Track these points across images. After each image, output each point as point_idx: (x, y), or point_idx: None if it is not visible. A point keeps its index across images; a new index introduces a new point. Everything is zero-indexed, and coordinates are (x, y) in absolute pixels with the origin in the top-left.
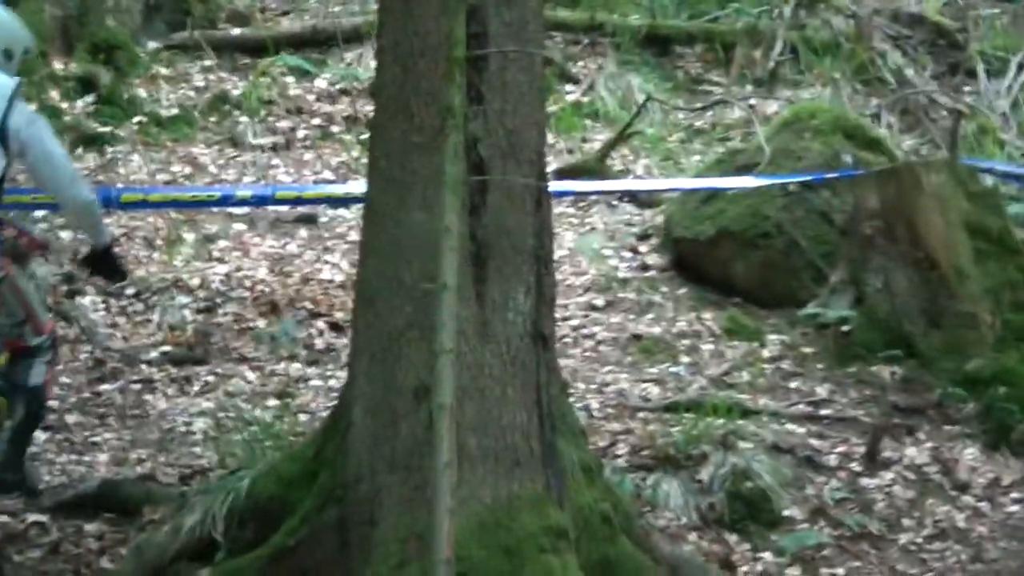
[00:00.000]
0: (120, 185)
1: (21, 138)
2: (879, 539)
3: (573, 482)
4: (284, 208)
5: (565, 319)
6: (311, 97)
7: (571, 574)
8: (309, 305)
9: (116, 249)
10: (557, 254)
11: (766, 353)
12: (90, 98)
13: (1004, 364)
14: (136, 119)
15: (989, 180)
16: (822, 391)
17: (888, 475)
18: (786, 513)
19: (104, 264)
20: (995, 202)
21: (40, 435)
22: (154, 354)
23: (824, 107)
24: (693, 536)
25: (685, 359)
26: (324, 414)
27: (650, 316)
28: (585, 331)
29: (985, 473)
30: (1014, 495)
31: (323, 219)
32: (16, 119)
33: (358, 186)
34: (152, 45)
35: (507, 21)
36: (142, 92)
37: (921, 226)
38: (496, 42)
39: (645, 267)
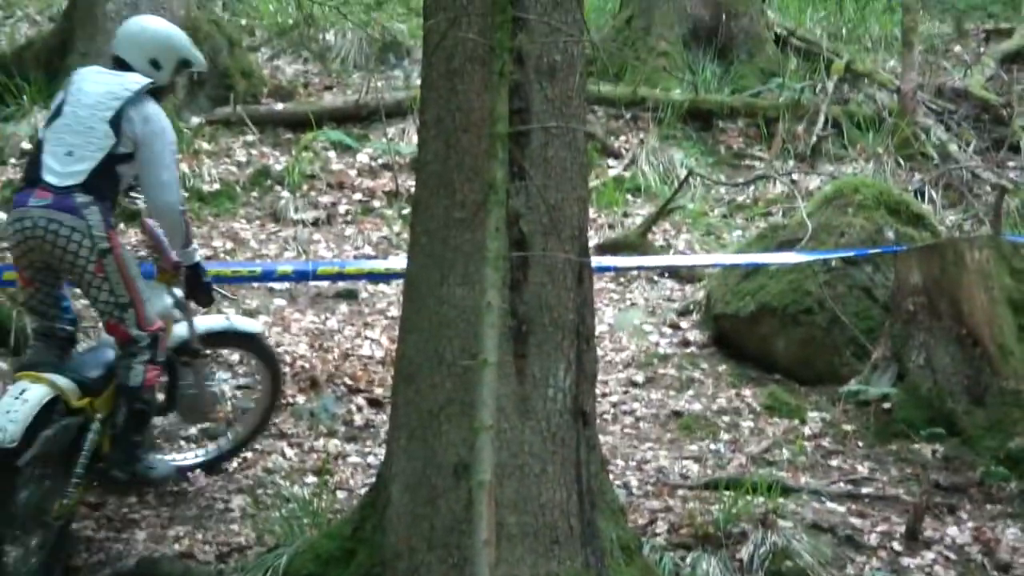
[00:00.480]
0: None
1: (135, 131)
2: None
3: (612, 561)
4: (325, 283)
5: (605, 395)
6: (353, 172)
7: None
8: (348, 381)
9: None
10: (598, 330)
11: (807, 430)
12: None
13: None
14: None
15: None
16: (863, 469)
17: (929, 555)
18: None
19: (191, 283)
20: None
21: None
22: (193, 430)
23: (867, 182)
24: None
25: (725, 436)
26: (363, 491)
27: (690, 392)
28: (625, 407)
29: None
30: None
31: (364, 295)
32: (133, 112)
33: (399, 262)
34: (195, 120)
35: (550, 97)
36: (184, 167)
37: (964, 302)
38: (539, 118)
39: (686, 343)
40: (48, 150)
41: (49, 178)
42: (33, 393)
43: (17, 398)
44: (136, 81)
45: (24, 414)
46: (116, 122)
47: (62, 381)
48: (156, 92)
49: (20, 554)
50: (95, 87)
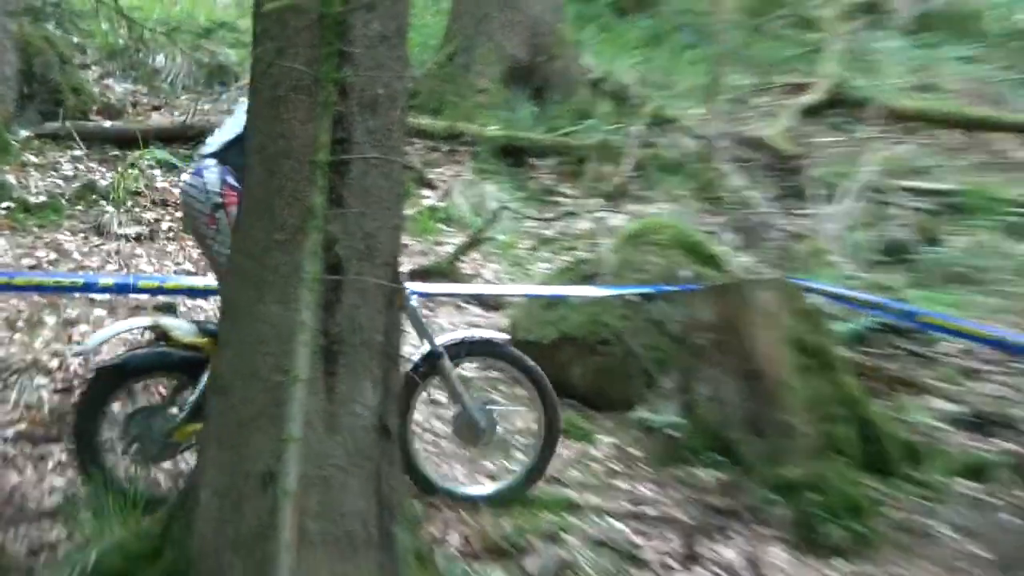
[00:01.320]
0: None
1: None
2: None
3: (406, 567)
4: (145, 296)
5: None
6: (177, 190)
7: None
8: (163, 389)
9: None
10: (405, 351)
11: (597, 454)
12: None
13: (817, 472)
14: (4, 204)
15: (816, 299)
16: (647, 491)
17: (702, 571)
18: None
19: None
20: (819, 321)
21: None
22: (11, 432)
23: (667, 223)
24: None
25: (520, 456)
26: (174, 494)
27: None
28: (427, 425)
29: (792, 572)
30: None
31: (182, 308)
32: None
33: None
34: (24, 133)
35: (371, 129)
36: (11, 178)
37: (749, 340)
38: (359, 148)
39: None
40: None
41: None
42: (126, 321)
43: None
44: None
45: (106, 331)
46: None
47: (168, 320)
48: None
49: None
50: None
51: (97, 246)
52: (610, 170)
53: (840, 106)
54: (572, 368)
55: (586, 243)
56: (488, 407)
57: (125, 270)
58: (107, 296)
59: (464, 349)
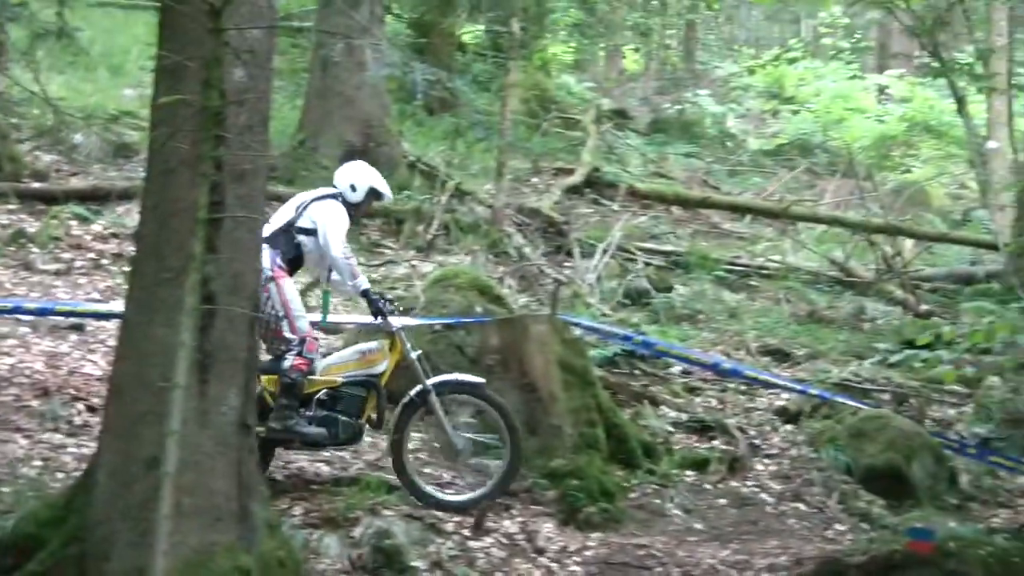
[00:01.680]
0: None
1: (315, 216)
2: None
3: (260, 535)
4: (61, 318)
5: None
6: (88, 237)
7: None
8: (73, 391)
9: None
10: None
11: (410, 446)
12: None
13: (577, 464)
14: None
15: (577, 331)
16: (447, 476)
17: (489, 540)
18: (414, 564)
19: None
20: (580, 348)
21: None
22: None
23: (465, 270)
24: None
25: (349, 447)
26: (77, 474)
27: None
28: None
29: (558, 542)
30: (577, 559)
31: (89, 328)
32: (315, 204)
33: (118, 306)
34: None
35: (239, 194)
36: None
37: (527, 361)
38: (230, 209)
39: None
40: None
41: None
42: None
43: None
44: (327, 191)
45: None
46: (301, 207)
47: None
48: (350, 207)
49: None
50: (308, 193)
51: (25, 279)
52: (422, 229)
53: (595, 186)
54: (392, 383)
55: (403, 284)
56: (464, 434)
57: (46, 298)
58: (31, 317)
59: (449, 387)
